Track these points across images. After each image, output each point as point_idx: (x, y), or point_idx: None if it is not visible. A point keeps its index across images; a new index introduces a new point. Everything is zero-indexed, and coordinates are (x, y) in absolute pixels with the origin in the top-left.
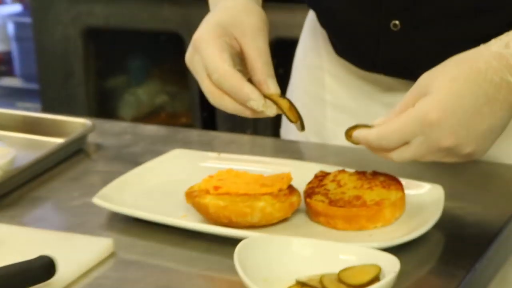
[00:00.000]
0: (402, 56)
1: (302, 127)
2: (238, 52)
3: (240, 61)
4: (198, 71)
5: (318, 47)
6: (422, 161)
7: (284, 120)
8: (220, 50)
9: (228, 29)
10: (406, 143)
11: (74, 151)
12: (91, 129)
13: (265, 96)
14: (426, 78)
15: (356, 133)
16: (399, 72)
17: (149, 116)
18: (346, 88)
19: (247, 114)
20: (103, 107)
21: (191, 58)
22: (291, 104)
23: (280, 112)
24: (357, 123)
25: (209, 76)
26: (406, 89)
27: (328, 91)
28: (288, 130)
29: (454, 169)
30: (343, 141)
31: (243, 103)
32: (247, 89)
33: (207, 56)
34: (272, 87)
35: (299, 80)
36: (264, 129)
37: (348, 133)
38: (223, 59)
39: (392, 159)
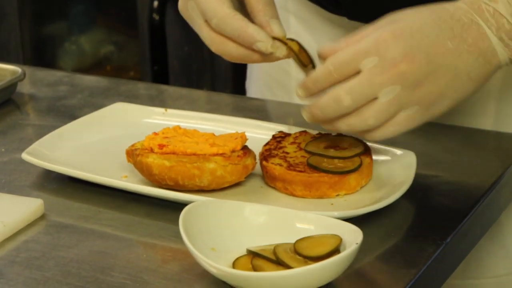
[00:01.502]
0: None
1: None
2: None
3: (240, 5)
4: (194, 18)
5: None
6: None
7: (249, 71)
8: None
9: None
10: (356, 72)
11: (2, 102)
12: (22, 77)
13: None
14: (389, 15)
15: (301, 82)
16: (363, 15)
17: (93, 68)
18: (311, 31)
19: (254, 58)
20: (40, 56)
21: (184, 4)
22: (300, 46)
23: (290, 56)
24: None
25: (208, 22)
26: None
27: (293, 34)
28: (251, 82)
29: (428, 135)
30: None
31: (249, 47)
32: (252, 30)
33: (204, 0)
34: (276, 29)
35: None
36: (224, 87)
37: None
38: (221, 1)
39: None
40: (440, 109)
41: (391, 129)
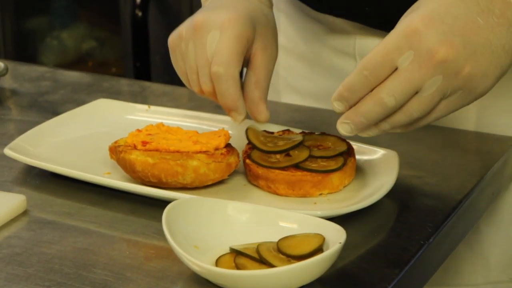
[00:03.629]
0: None
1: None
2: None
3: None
4: (189, 57)
5: None
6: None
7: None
8: (240, 45)
9: (254, 24)
10: (394, 70)
11: None
12: (4, 71)
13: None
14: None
15: (336, 94)
16: (344, 12)
17: (74, 63)
18: (299, 29)
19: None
20: (21, 51)
21: (182, 39)
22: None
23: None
24: None
25: (208, 60)
26: (360, 32)
27: (282, 32)
28: None
29: (412, 135)
30: (293, 92)
31: (225, 109)
32: (238, 103)
33: (226, 43)
34: (264, 115)
35: None
36: None
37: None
38: (238, 61)
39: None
40: (483, 89)
41: (434, 115)
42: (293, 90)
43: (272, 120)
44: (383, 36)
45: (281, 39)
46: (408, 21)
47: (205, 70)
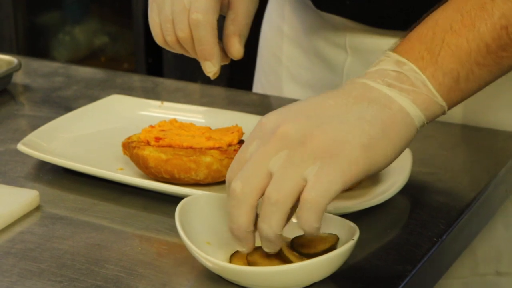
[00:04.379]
0: None
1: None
2: None
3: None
4: (165, 6)
5: None
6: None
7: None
8: None
9: None
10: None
11: None
12: (17, 67)
13: None
14: None
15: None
16: (335, 9)
17: (86, 59)
18: (300, 19)
19: (189, 55)
20: (33, 46)
21: None
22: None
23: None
24: None
25: (185, 7)
26: (362, 29)
27: (286, 21)
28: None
29: (424, 132)
30: (294, 82)
31: (199, 58)
32: (214, 52)
33: None
34: (236, 48)
35: (267, 9)
36: (218, 80)
37: None
38: (216, 8)
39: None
40: (352, 158)
41: (313, 194)
42: (293, 79)
43: None
44: (373, 31)
45: (285, 28)
46: (255, 128)
47: (182, 17)
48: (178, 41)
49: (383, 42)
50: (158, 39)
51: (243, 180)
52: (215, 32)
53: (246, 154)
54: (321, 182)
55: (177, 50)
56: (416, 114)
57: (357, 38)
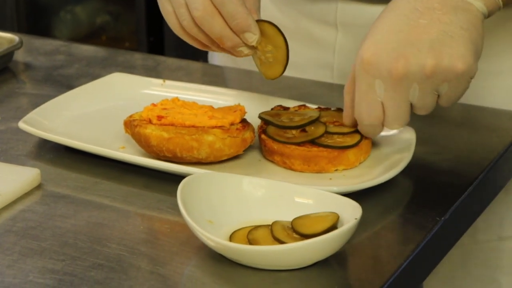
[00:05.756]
0: None
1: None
2: None
3: None
4: None
5: None
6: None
7: None
8: None
9: None
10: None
11: None
12: (19, 45)
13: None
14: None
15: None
16: None
17: (88, 38)
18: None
19: (228, 44)
20: (35, 25)
21: None
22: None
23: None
24: None
25: None
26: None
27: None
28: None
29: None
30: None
31: (236, 32)
32: (251, 21)
33: None
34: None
35: None
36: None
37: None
38: None
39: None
40: (465, 67)
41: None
42: None
43: (287, 95)
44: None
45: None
46: (360, 56)
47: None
48: (195, 24)
49: (374, 14)
50: (174, 27)
51: (398, 120)
52: (243, 3)
53: (374, 95)
54: (451, 99)
55: (195, 34)
56: (485, 12)
57: (348, 11)
